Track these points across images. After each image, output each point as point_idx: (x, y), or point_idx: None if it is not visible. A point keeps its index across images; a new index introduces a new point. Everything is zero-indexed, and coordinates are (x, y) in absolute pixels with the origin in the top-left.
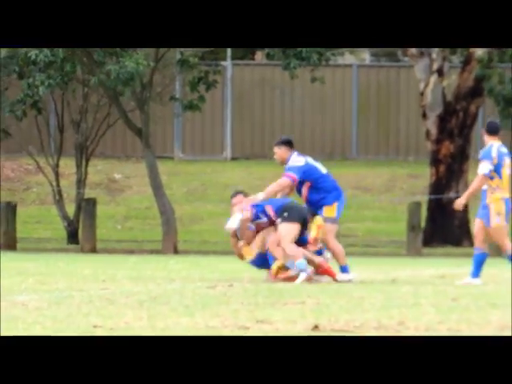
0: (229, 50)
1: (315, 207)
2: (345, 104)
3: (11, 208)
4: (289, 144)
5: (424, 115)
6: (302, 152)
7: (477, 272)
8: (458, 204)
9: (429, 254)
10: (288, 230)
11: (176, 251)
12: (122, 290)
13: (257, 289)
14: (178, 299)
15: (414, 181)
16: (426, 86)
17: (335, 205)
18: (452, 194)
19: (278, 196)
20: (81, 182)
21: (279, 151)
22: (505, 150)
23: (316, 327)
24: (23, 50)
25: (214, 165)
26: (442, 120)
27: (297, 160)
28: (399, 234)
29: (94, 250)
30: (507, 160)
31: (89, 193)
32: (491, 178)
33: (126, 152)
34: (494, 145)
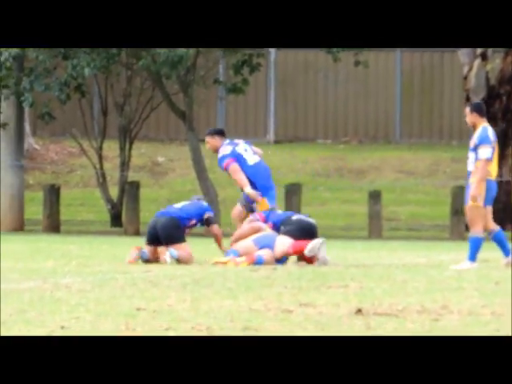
0: None
1: (246, 197)
2: (388, 88)
3: (55, 191)
4: (221, 134)
5: (467, 99)
6: (345, 134)
7: (506, 250)
8: (475, 197)
9: None
10: (282, 243)
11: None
12: (166, 273)
13: (300, 272)
14: (221, 282)
15: (457, 165)
16: (470, 70)
17: (264, 199)
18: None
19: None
20: (124, 165)
21: (211, 141)
22: (494, 132)
23: (359, 311)
24: None
25: (258, 147)
26: (486, 104)
27: (224, 149)
28: (442, 217)
29: (137, 233)
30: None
31: (132, 176)
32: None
33: (169, 135)
34: (487, 127)
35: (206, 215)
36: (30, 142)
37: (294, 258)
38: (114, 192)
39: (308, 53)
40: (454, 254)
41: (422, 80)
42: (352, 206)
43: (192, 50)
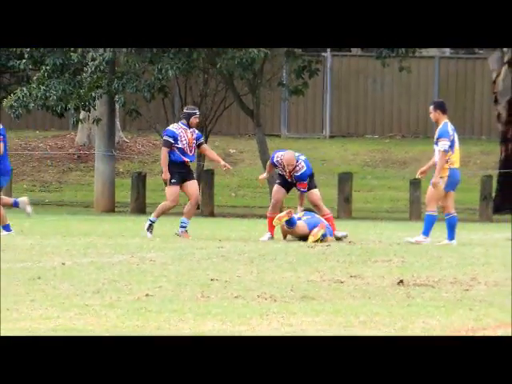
0: None
1: None
2: (427, 90)
3: (141, 177)
4: None
5: (496, 100)
6: (390, 130)
7: (450, 235)
8: (435, 183)
9: (498, 221)
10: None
11: None
12: (236, 249)
13: (351, 248)
14: (283, 257)
15: (486, 157)
16: (498, 75)
17: None
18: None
19: None
20: (201, 156)
21: None
22: (453, 126)
23: (401, 282)
24: None
25: (315, 142)
26: (511, 104)
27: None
28: (473, 202)
29: (212, 215)
30: (456, 135)
31: (208, 165)
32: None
33: (239, 130)
34: (447, 123)
35: None
36: (120, 135)
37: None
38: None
39: (359, 59)
40: (481, 234)
41: (456, 83)
42: (395, 192)
43: (261, 54)
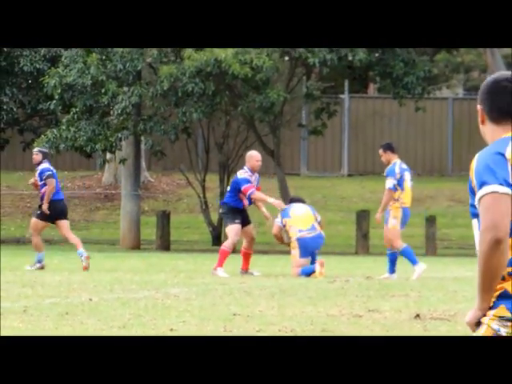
0: (346, 85)
1: None
2: (441, 129)
3: (166, 215)
4: None
5: None
6: (414, 170)
7: (392, 268)
8: (378, 218)
9: None
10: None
11: None
12: (257, 284)
13: (369, 283)
14: (303, 292)
15: None
16: None
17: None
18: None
19: None
20: (223, 194)
21: None
22: (405, 166)
23: (418, 315)
24: (181, 82)
25: (333, 180)
26: None
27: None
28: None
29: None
30: (408, 175)
31: None
32: (395, 191)
33: (260, 169)
34: (397, 162)
35: None
36: (146, 175)
37: None
38: (214, 217)
39: (376, 101)
40: None
41: (469, 122)
42: (411, 229)
43: (280, 98)
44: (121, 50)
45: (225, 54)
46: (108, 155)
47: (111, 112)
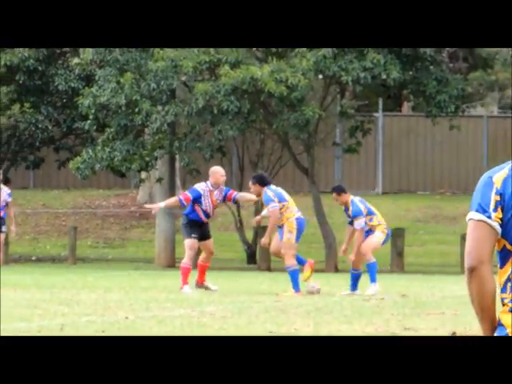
0: (380, 103)
1: None
2: (476, 148)
3: None
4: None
5: None
6: (441, 187)
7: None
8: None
9: None
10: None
11: (336, 270)
12: (293, 302)
13: (404, 301)
14: (338, 310)
15: None
16: None
17: None
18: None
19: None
20: (258, 212)
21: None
22: (359, 198)
23: (454, 334)
24: (217, 100)
25: (368, 198)
26: None
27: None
28: None
29: (269, 269)
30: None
31: (264, 221)
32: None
33: (295, 187)
34: (353, 200)
35: None
36: (180, 193)
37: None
38: (249, 235)
39: (410, 119)
40: None
41: (504, 140)
42: (447, 247)
43: (316, 116)
44: (155, 68)
45: (261, 72)
46: (143, 174)
47: (146, 131)
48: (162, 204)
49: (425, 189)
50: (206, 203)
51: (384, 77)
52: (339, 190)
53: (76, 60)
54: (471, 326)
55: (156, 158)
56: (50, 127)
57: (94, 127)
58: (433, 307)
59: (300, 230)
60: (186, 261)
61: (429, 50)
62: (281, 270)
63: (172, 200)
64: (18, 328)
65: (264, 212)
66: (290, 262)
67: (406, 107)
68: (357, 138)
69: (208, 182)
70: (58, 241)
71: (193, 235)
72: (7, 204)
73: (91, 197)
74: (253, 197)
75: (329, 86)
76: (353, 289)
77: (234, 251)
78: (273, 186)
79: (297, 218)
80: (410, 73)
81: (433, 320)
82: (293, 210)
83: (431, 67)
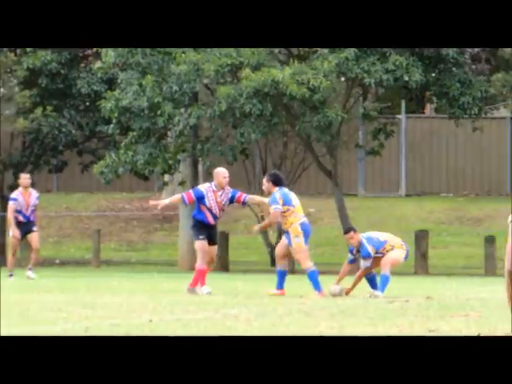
0: (403, 105)
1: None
2: (500, 149)
3: (224, 236)
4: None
5: None
6: (464, 188)
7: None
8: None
9: None
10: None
11: None
12: (317, 305)
13: (428, 304)
14: (362, 312)
15: None
16: None
17: None
18: None
19: None
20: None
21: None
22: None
23: (478, 336)
24: (239, 103)
25: (391, 201)
26: None
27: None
28: None
29: (292, 272)
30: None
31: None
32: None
33: (318, 190)
34: (363, 241)
35: None
36: None
37: None
38: (273, 237)
39: (433, 121)
40: None
41: None
42: (470, 249)
43: (338, 118)
44: (177, 71)
45: (282, 74)
46: (166, 177)
47: (168, 134)
48: (166, 201)
49: (448, 191)
50: (211, 203)
51: (406, 79)
52: (355, 230)
53: (98, 63)
54: (495, 328)
55: (179, 161)
56: (72, 131)
57: (117, 130)
58: (457, 309)
59: (306, 234)
60: (199, 263)
61: (451, 52)
62: (305, 273)
63: (175, 197)
64: (42, 331)
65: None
66: (307, 264)
67: (429, 109)
68: (379, 140)
69: (212, 183)
70: (81, 244)
71: (200, 236)
72: (36, 207)
73: (114, 200)
74: (264, 200)
75: (351, 88)
76: (373, 287)
77: (258, 254)
78: (285, 189)
79: (301, 223)
80: (433, 75)
81: (457, 322)
82: (298, 215)
83: (454, 69)
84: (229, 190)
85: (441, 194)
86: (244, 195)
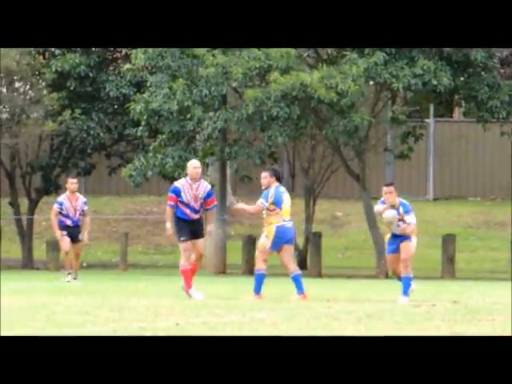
0: (431, 109)
1: None
2: None
3: (252, 240)
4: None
5: None
6: (492, 193)
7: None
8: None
9: None
10: None
11: (387, 276)
12: (344, 308)
13: (455, 308)
14: (389, 316)
15: None
16: None
17: None
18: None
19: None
20: (309, 219)
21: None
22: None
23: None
24: (267, 107)
25: (419, 204)
26: None
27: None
28: None
29: (319, 275)
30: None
31: (315, 227)
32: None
33: (345, 193)
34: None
35: None
36: (231, 199)
37: None
38: (300, 241)
39: (461, 125)
40: None
41: None
42: (497, 253)
43: (365, 122)
44: (205, 74)
45: (311, 78)
46: None
47: (197, 137)
48: (168, 225)
49: (476, 195)
50: (188, 196)
51: (435, 83)
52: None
53: (127, 66)
54: None
55: (207, 165)
56: (101, 133)
57: (146, 133)
58: (484, 313)
59: (279, 238)
60: (182, 262)
61: (480, 57)
62: (332, 276)
63: (167, 212)
64: (70, 334)
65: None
66: (259, 265)
67: (458, 113)
68: (408, 143)
69: (187, 177)
70: (109, 247)
71: (181, 238)
72: (84, 212)
73: (142, 203)
74: (252, 210)
75: (380, 93)
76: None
77: None
78: (282, 188)
79: (278, 226)
80: (462, 79)
81: (484, 326)
82: (281, 217)
83: (482, 73)
84: (206, 185)
85: (468, 198)
86: (214, 204)
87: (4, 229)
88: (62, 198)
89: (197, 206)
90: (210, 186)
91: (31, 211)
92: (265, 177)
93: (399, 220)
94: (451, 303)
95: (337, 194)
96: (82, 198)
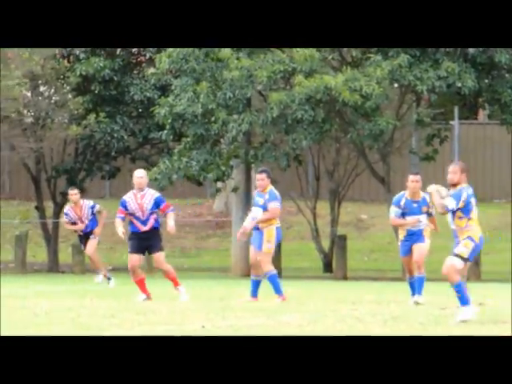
0: (456, 112)
1: None
2: None
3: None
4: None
5: None
6: None
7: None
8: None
9: None
10: None
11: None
12: (369, 311)
13: (481, 310)
14: (414, 318)
15: None
16: None
17: None
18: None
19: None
20: (334, 221)
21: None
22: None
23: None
24: (291, 110)
25: None
26: None
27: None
28: None
29: (345, 278)
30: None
31: (340, 230)
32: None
33: (370, 196)
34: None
35: None
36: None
37: None
38: (325, 244)
39: (485, 127)
40: None
41: None
42: None
43: (390, 126)
44: (230, 77)
45: (335, 81)
46: (219, 183)
47: (222, 140)
48: (119, 229)
49: (501, 196)
50: (132, 206)
51: (459, 85)
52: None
53: (152, 70)
54: None
55: (232, 168)
56: (125, 137)
57: (171, 137)
58: (508, 315)
59: (277, 239)
60: (131, 278)
61: (504, 59)
62: (357, 279)
63: (115, 223)
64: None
65: (252, 216)
66: (268, 267)
67: (482, 115)
68: (433, 145)
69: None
70: None
71: (128, 250)
72: (94, 214)
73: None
74: (270, 216)
75: (404, 95)
76: (413, 293)
77: (311, 260)
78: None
79: (277, 227)
80: (486, 81)
81: (508, 329)
82: (277, 218)
83: (507, 75)
84: (153, 194)
85: (494, 199)
86: (171, 207)
87: (30, 233)
88: (67, 209)
89: (143, 216)
90: (158, 194)
91: (56, 215)
92: (262, 178)
93: (425, 212)
94: (477, 305)
95: (362, 196)
96: (87, 204)
